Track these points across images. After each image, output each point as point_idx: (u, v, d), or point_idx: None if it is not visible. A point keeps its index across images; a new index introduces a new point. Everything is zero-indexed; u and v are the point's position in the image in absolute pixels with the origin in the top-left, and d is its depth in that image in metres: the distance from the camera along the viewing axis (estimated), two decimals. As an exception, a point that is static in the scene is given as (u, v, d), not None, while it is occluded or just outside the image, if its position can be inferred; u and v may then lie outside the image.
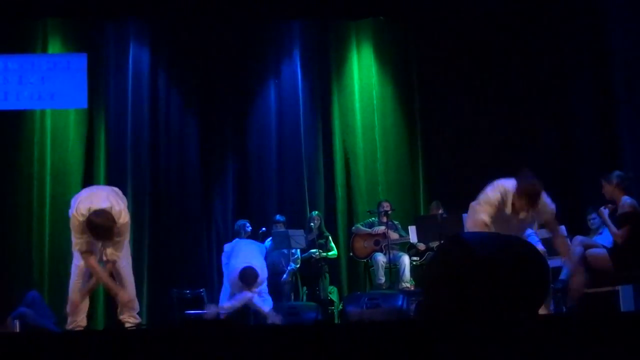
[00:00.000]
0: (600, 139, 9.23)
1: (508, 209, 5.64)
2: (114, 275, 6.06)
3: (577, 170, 9.44)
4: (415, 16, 10.24)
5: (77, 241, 5.81)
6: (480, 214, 5.69)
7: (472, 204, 5.89)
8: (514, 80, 10.03)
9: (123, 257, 6.04)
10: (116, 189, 6.26)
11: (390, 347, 2.91)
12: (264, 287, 7.77)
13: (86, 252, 5.81)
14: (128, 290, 6.07)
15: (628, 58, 8.66)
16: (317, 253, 9.09)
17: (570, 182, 9.44)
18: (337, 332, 3.12)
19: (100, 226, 5.63)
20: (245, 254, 7.82)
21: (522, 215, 5.69)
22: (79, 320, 5.92)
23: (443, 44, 10.14)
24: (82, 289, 5.93)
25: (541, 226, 7.77)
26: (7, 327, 5.80)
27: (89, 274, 5.98)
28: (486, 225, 5.61)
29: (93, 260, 5.85)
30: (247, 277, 7.57)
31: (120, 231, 5.82)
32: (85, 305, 6.00)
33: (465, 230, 5.98)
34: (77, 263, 5.93)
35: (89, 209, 5.68)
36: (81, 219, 5.70)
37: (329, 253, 9.28)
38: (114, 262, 5.91)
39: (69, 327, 5.91)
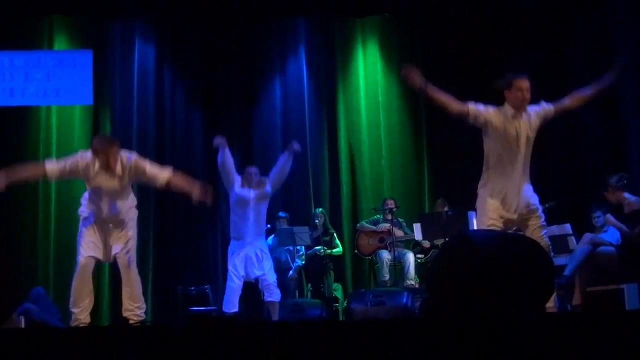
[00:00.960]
0: (606, 137, 9.21)
1: (505, 116, 5.55)
2: (122, 272, 6.02)
3: (582, 169, 9.42)
4: (421, 13, 10.23)
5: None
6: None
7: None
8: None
9: (131, 249, 6.03)
10: None
11: (394, 344, 2.91)
12: (272, 279, 7.70)
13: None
14: (135, 287, 6.04)
15: (634, 54, 8.64)
16: (322, 250, 9.09)
17: (575, 181, 9.42)
18: (341, 329, 3.12)
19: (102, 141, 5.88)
20: None
21: (523, 119, 5.56)
22: (82, 318, 5.90)
23: (449, 41, 10.12)
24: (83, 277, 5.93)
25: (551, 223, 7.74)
26: (12, 323, 5.80)
27: (91, 270, 5.98)
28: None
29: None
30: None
31: (138, 166, 5.92)
32: (89, 303, 5.97)
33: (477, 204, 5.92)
34: (80, 259, 5.93)
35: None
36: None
37: (334, 250, 9.28)
38: (127, 250, 5.94)
39: (73, 324, 5.90)
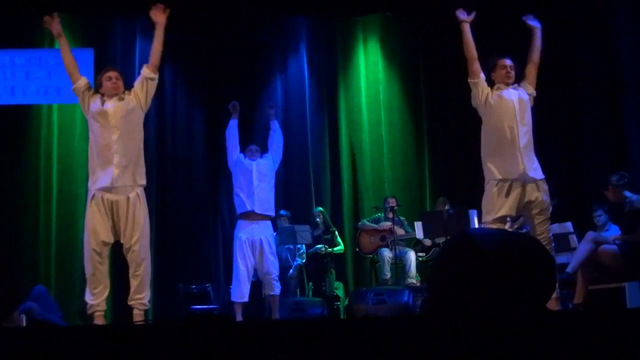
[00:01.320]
0: (607, 136, 9.21)
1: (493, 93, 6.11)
2: (131, 265, 5.91)
3: (584, 168, 9.42)
4: (422, 12, 10.22)
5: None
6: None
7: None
8: (521, 77, 10.00)
9: (144, 238, 5.98)
10: None
11: (395, 343, 2.91)
12: (274, 273, 7.58)
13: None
14: (144, 279, 5.95)
15: (636, 52, 8.65)
16: (323, 249, 9.09)
17: (576, 179, 9.42)
18: (342, 327, 3.12)
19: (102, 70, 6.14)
20: None
21: (511, 89, 6.11)
22: (97, 304, 5.78)
23: (450, 39, 10.09)
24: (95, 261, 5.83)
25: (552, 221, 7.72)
26: (14, 321, 5.79)
27: (104, 255, 5.89)
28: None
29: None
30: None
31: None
32: (104, 289, 5.83)
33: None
34: (89, 247, 5.83)
35: None
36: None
37: (335, 248, 9.28)
38: (137, 240, 5.91)
39: (89, 312, 5.79)
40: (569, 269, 6.46)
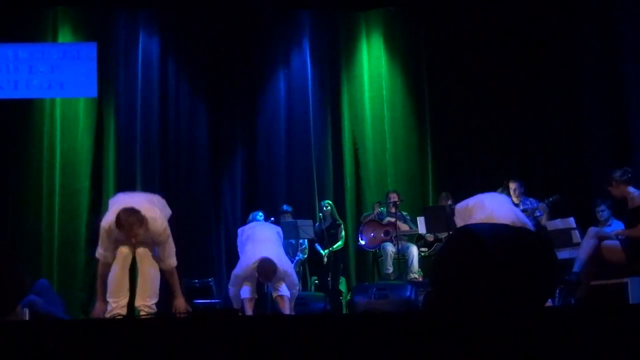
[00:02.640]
0: (611, 132, 9.19)
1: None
2: (138, 260, 5.93)
3: (587, 163, 9.41)
4: (425, 7, 10.21)
5: (99, 251, 5.86)
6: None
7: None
8: (524, 72, 9.99)
9: (169, 242, 6.08)
10: (157, 196, 6.30)
11: (398, 338, 2.91)
12: (289, 271, 7.16)
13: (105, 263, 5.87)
14: (154, 282, 5.96)
15: (639, 47, 8.64)
16: (325, 254, 9.04)
17: (579, 175, 9.41)
18: (344, 322, 3.12)
19: (126, 221, 5.63)
20: (264, 239, 7.37)
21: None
22: (118, 308, 5.77)
23: (453, 34, 10.10)
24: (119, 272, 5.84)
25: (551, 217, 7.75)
26: (16, 315, 5.80)
27: (129, 260, 5.90)
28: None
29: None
30: (266, 270, 6.93)
31: (157, 239, 5.91)
32: (126, 295, 5.85)
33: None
34: (120, 247, 5.85)
35: (117, 209, 5.69)
36: (107, 226, 5.72)
37: (334, 245, 9.21)
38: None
39: (108, 315, 5.76)
40: (575, 268, 6.43)
